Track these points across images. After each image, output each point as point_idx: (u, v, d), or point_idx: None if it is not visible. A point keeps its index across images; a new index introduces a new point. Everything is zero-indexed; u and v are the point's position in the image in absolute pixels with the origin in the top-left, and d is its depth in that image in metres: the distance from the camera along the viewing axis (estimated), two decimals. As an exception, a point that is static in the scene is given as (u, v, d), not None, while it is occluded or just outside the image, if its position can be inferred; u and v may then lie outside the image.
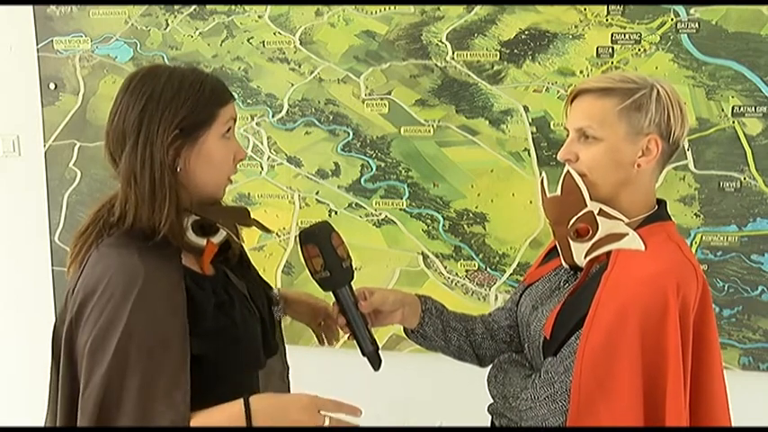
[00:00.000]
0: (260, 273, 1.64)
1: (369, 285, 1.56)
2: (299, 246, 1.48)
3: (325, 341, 1.72)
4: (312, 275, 1.47)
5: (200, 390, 1.29)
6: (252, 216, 1.53)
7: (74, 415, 1.31)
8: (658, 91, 1.39)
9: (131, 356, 1.25)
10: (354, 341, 1.52)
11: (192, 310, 1.32)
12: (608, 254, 1.41)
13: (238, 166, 1.46)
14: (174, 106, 1.34)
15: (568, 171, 1.43)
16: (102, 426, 1.25)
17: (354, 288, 1.51)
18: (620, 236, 1.40)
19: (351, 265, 1.49)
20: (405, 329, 1.66)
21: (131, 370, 1.25)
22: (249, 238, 2.37)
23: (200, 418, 1.28)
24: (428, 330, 1.64)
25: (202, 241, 1.39)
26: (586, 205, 1.41)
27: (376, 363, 1.50)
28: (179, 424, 1.25)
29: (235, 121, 1.44)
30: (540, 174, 2.32)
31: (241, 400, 1.30)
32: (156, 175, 1.33)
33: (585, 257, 1.43)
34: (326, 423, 1.31)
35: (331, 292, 1.50)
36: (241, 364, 1.43)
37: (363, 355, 1.50)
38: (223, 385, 1.36)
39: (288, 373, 1.68)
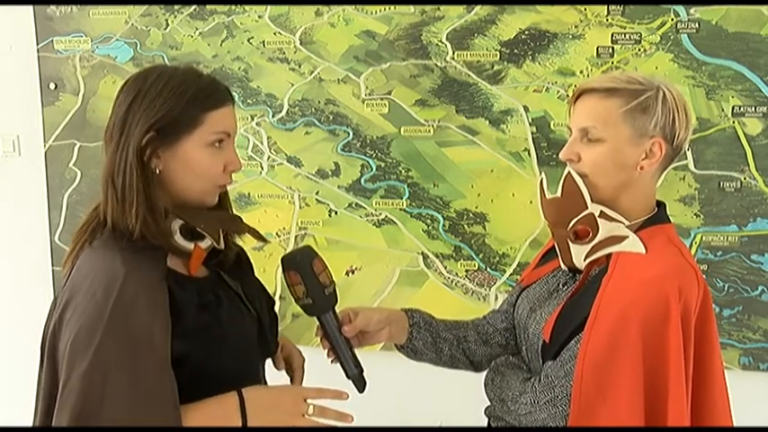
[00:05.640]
0: (260, 273, 1.62)
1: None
2: (282, 272, 1.45)
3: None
4: (295, 301, 1.45)
5: (192, 391, 1.27)
6: (245, 223, 1.50)
7: (51, 414, 1.27)
8: (665, 93, 1.38)
9: (113, 355, 1.23)
10: (339, 365, 1.50)
11: (173, 311, 1.29)
12: (608, 257, 1.41)
13: None
14: (154, 106, 1.31)
15: (569, 172, 1.42)
16: (83, 423, 1.22)
17: (338, 310, 1.49)
18: (621, 238, 1.39)
19: (334, 290, 1.46)
20: (396, 345, 1.65)
21: (114, 368, 1.22)
22: (249, 239, 2.36)
23: (194, 411, 1.26)
24: (418, 344, 1.63)
25: (190, 245, 1.37)
26: (587, 207, 1.40)
27: (361, 385, 1.49)
28: (169, 422, 1.23)
29: (230, 134, 1.38)
30: (540, 174, 2.32)
31: (235, 392, 1.28)
32: (127, 176, 1.31)
33: (585, 260, 1.43)
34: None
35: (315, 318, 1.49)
36: (231, 363, 1.38)
37: (348, 378, 1.49)
38: (219, 385, 1.32)
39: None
